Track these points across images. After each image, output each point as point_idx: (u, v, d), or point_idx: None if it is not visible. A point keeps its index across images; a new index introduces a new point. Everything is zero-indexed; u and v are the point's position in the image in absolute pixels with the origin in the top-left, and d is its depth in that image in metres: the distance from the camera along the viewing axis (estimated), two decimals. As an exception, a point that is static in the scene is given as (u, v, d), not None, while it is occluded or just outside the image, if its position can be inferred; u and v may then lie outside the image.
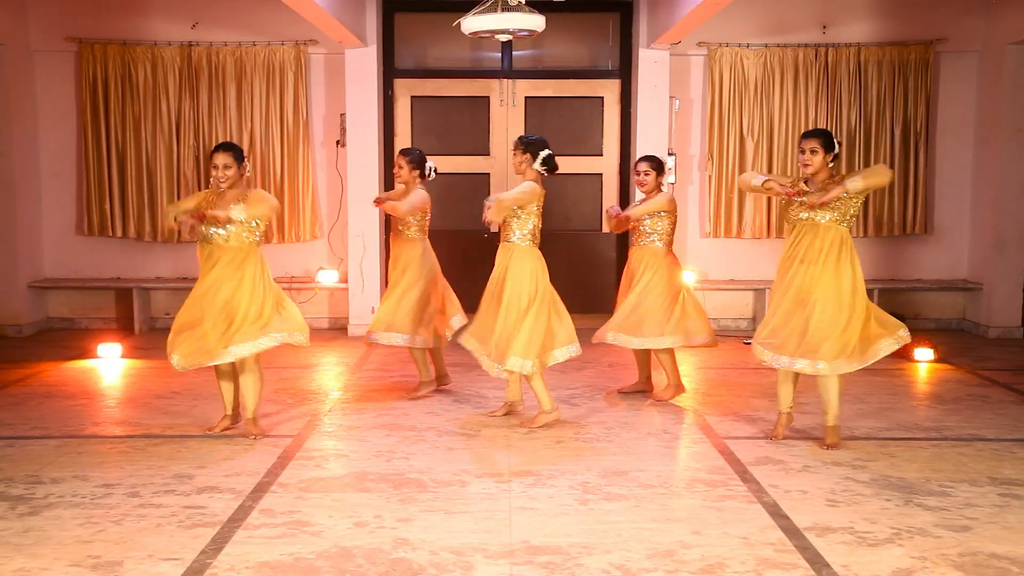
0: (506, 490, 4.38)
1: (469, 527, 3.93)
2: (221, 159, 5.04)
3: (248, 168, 5.20)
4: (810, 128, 8.64)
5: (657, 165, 6.01)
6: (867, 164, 8.71)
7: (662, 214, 5.90)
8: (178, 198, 8.71)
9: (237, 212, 4.96)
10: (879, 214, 8.78)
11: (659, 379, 6.28)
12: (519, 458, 4.88)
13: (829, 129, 8.56)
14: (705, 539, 3.81)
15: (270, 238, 8.76)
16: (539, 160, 5.43)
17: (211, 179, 5.13)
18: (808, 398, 5.74)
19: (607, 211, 6.01)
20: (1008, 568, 3.54)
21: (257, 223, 5.07)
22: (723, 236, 8.85)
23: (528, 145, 5.46)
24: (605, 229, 5.84)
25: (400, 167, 6.06)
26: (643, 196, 6.08)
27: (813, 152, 4.94)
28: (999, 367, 7.29)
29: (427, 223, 6.10)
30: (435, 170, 6.17)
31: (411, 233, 6.04)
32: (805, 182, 5.02)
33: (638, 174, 6.01)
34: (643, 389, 6.26)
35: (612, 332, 5.91)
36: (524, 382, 5.60)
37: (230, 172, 5.04)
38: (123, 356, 7.44)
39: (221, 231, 5.03)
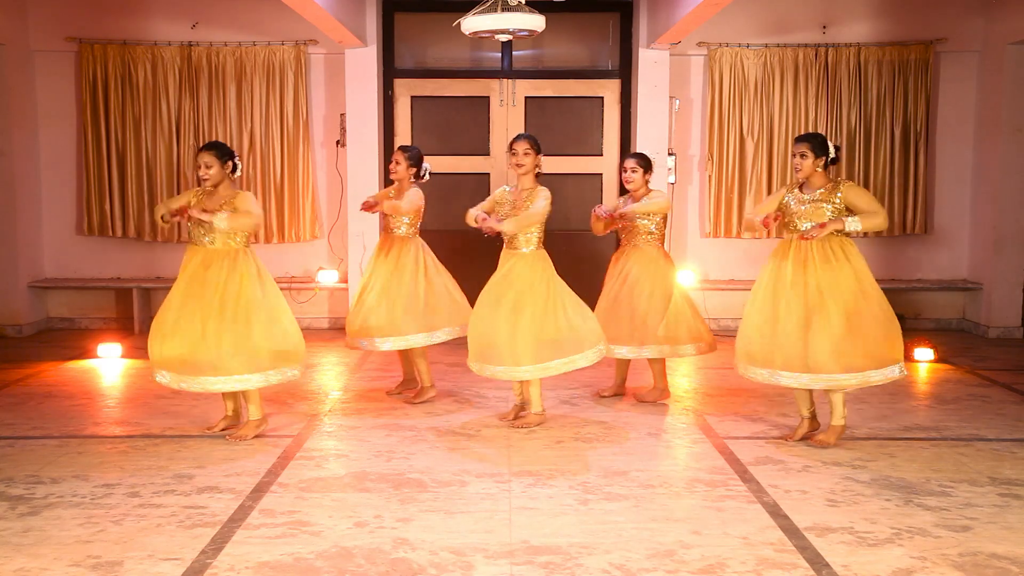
0: (506, 490, 4.38)
1: (469, 527, 3.93)
2: (203, 158, 5.10)
3: (239, 167, 5.21)
4: (809, 129, 8.66)
5: (645, 163, 5.96)
6: (867, 165, 8.72)
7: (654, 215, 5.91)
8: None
9: (220, 221, 4.95)
10: (879, 214, 8.77)
11: (646, 380, 6.28)
12: (519, 458, 4.88)
13: (829, 129, 8.66)
14: (705, 539, 3.81)
15: (269, 238, 8.76)
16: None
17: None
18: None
19: (594, 211, 5.84)
20: (1008, 568, 3.54)
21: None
22: (723, 236, 8.85)
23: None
24: (596, 231, 5.73)
25: (397, 163, 6.03)
26: (627, 195, 6.06)
27: (803, 156, 5.03)
28: (999, 367, 7.29)
29: (419, 223, 6.08)
30: (429, 172, 6.14)
31: (403, 231, 6.02)
32: (800, 187, 5.10)
33: (625, 171, 5.97)
34: (619, 393, 6.22)
35: (628, 347, 5.86)
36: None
37: (212, 171, 5.10)
38: (123, 356, 7.44)
39: (206, 237, 5.07)
